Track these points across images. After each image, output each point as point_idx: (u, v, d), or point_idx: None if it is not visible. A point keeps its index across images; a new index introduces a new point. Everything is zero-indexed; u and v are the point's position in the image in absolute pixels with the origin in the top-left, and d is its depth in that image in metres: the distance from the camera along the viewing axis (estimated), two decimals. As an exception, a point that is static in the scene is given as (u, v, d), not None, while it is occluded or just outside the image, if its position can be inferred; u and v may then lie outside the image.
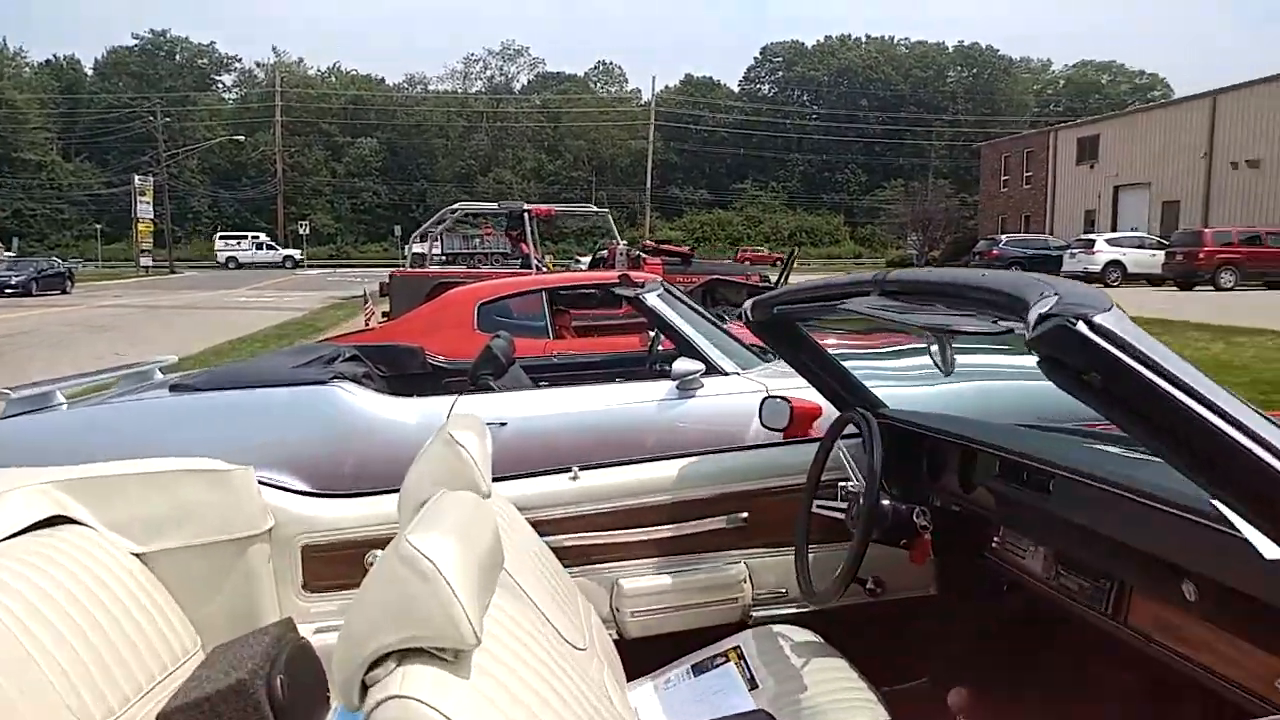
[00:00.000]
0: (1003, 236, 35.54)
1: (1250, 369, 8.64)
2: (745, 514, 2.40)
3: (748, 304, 2.27)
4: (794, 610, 2.44)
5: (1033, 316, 1.17)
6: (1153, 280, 26.46)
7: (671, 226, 62.50)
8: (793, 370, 4.21)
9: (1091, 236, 30.67)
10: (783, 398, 2.69)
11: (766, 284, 10.38)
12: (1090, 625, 1.73)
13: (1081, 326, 1.13)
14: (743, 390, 3.99)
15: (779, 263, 15.63)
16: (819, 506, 2.23)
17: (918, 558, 2.06)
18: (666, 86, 76.52)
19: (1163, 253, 26.59)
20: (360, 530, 2.19)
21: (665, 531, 2.38)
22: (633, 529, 2.37)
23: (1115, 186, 38.04)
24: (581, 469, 2.39)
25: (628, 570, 2.37)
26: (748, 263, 38.03)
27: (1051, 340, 1.15)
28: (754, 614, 2.42)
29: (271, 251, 52.24)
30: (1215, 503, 1.24)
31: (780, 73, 79.13)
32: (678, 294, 4.78)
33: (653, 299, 4.38)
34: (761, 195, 70.18)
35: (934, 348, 1.86)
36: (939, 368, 1.84)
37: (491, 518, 1.34)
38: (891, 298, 1.63)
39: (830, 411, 2.55)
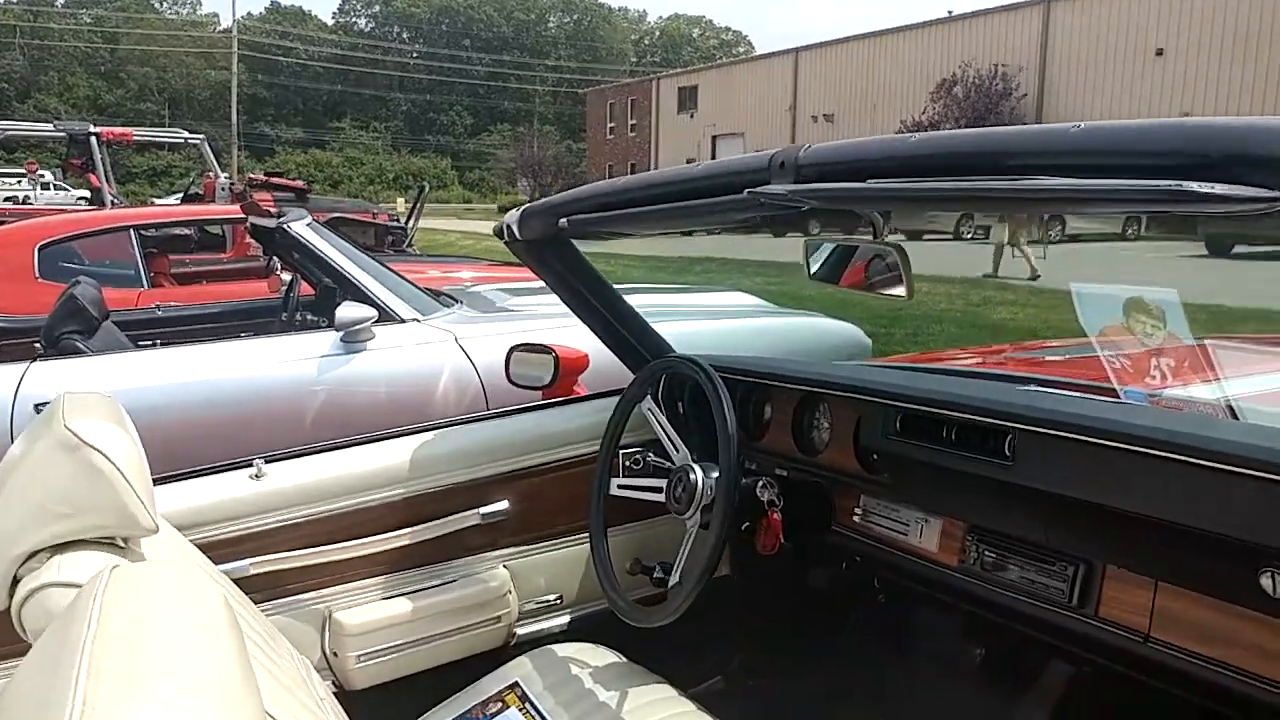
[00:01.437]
0: (615, 182, 37.03)
1: (867, 305, 9.46)
2: (504, 503, 1.79)
3: (514, 214, 1.63)
4: (568, 618, 1.90)
5: None
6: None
7: (264, 167, 57.36)
8: (488, 313, 3.67)
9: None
10: (542, 345, 2.08)
11: (395, 223, 9.55)
12: (1024, 614, 1.37)
13: None
14: (426, 340, 3.32)
15: None
16: (620, 486, 1.69)
17: (767, 542, 1.59)
18: (250, 14, 69.85)
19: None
20: None
21: (396, 538, 1.71)
22: (348, 541, 1.67)
23: (713, 136, 40.53)
24: (267, 461, 1.64)
25: (344, 598, 1.68)
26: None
27: None
28: (519, 630, 1.84)
29: (64, 192, 38.87)
30: None
31: (377, 7, 75.30)
32: None
33: (301, 228, 3.49)
34: (363, 135, 66.50)
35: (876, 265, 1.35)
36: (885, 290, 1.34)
37: (225, 616, 0.66)
38: (818, 181, 1.07)
39: (604, 361, 2.00)
